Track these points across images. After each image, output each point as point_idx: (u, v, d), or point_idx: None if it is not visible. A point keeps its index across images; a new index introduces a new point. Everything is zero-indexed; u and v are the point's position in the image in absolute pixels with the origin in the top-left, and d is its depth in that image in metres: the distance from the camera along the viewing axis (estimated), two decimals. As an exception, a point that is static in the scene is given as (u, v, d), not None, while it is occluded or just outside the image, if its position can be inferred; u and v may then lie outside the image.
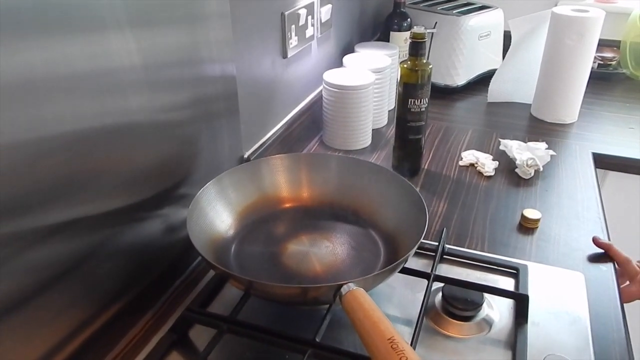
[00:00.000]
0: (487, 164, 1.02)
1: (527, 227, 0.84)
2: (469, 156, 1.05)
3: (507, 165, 1.03)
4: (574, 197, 0.93)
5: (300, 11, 0.98)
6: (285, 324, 0.65)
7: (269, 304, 0.67)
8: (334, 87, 1.03)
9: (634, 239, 1.11)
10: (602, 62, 1.53)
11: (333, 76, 1.05)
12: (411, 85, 0.90)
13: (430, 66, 0.90)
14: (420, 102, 0.91)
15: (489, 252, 0.78)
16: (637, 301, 0.76)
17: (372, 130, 1.14)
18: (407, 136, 0.96)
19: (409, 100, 0.91)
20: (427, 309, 0.66)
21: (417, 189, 0.71)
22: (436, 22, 1.33)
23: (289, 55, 0.98)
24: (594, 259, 0.78)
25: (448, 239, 0.82)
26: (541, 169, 1.00)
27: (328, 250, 0.71)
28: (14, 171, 0.43)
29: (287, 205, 0.79)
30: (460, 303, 0.65)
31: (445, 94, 1.38)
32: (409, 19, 1.34)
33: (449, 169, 1.03)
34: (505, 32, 1.39)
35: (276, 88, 0.98)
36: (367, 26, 1.50)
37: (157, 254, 0.67)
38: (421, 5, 1.41)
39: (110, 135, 0.54)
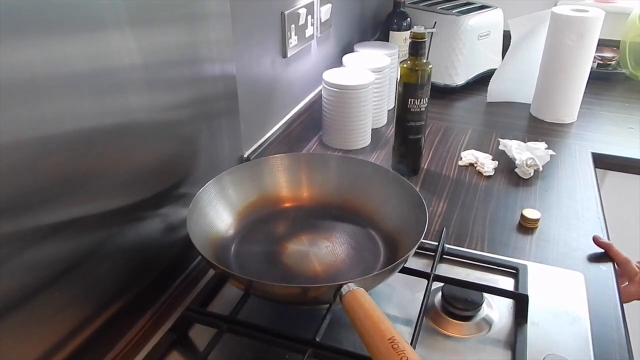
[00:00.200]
0: (487, 163, 1.02)
1: (526, 227, 0.85)
2: (468, 156, 1.05)
3: (506, 165, 1.03)
4: (574, 197, 0.93)
5: (300, 11, 0.98)
6: (285, 324, 0.65)
7: (268, 303, 0.67)
8: (334, 86, 1.03)
9: (633, 239, 1.11)
10: (601, 62, 1.53)
11: (333, 76, 1.05)
12: (411, 85, 0.90)
13: (430, 66, 0.90)
14: (420, 101, 0.91)
15: (488, 252, 0.78)
16: (637, 301, 0.76)
17: (372, 130, 1.14)
18: (406, 136, 0.96)
19: (409, 100, 0.91)
20: (427, 309, 0.66)
21: (417, 189, 0.71)
22: (436, 22, 1.33)
23: (288, 55, 0.98)
24: (594, 258, 0.78)
25: (448, 238, 0.82)
26: (541, 168, 1.00)
27: (328, 250, 0.71)
28: (14, 170, 0.43)
29: (287, 204, 0.79)
30: (460, 303, 0.65)
31: (444, 94, 1.38)
32: (408, 19, 1.34)
33: (448, 169, 1.03)
34: (504, 31, 1.39)
35: (276, 87, 0.98)
36: (366, 26, 1.50)
37: (157, 254, 0.66)
38: (421, 4, 1.41)
39: (110, 135, 0.54)
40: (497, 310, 0.67)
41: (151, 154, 0.61)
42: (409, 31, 0.95)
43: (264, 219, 0.76)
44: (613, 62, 1.54)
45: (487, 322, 0.65)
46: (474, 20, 1.32)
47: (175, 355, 0.61)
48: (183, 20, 0.63)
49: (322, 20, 1.10)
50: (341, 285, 0.54)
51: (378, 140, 1.14)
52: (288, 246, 0.72)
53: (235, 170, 0.75)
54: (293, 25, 0.97)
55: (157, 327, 0.64)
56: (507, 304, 0.68)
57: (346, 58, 1.16)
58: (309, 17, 1.03)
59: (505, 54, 1.32)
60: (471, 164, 1.04)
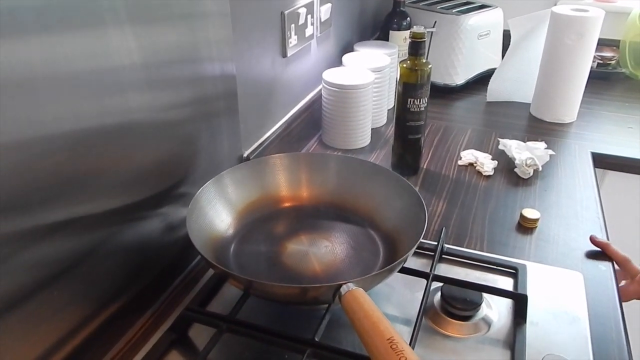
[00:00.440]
0: (486, 163, 1.02)
1: (526, 226, 0.85)
2: (468, 156, 1.05)
3: (506, 165, 1.03)
4: (573, 197, 0.93)
5: (300, 10, 0.98)
6: (285, 324, 0.65)
7: (268, 303, 0.67)
8: (334, 86, 1.03)
9: (632, 239, 1.11)
10: (601, 62, 1.53)
11: (332, 75, 1.05)
12: (410, 84, 0.90)
13: (430, 66, 0.90)
14: (420, 101, 0.91)
15: (487, 252, 0.78)
16: (636, 301, 0.76)
17: (371, 129, 1.14)
18: (406, 135, 0.96)
19: (408, 99, 0.91)
20: (426, 309, 0.66)
21: (416, 189, 0.71)
22: (435, 21, 1.33)
23: (288, 55, 0.98)
24: (593, 258, 0.78)
25: (447, 238, 0.82)
26: (540, 168, 1.00)
27: (327, 249, 0.71)
28: (14, 170, 0.43)
29: (287, 204, 0.79)
30: (459, 303, 0.65)
31: (444, 94, 1.38)
32: (408, 18, 1.34)
33: (448, 169, 1.03)
34: (504, 31, 1.39)
35: (276, 87, 0.98)
36: (366, 25, 1.50)
37: (156, 253, 0.67)
38: (420, 4, 1.41)
39: (109, 134, 0.54)
40: (496, 310, 0.67)
41: (151, 153, 0.61)
42: (409, 31, 0.95)
43: (264, 219, 0.76)
44: (613, 62, 1.54)
45: (486, 322, 0.65)
46: (474, 19, 1.32)
47: (174, 354, 0.61)
48: (183, 20, 0.63)
49: (322, 20, 1.10)
50: (340, 285, 0.54)
51: (378, 140, 1.14)
52: (287, 246, 0.72)
53: (234, 170, 0.75)
54: (293, 25, 0.97)
55: (157, 327, 0.64)
56: (506, 303, 0.68)
57: (346, 58, 1.16)
58: (309, 16, 1.03)
59: (505, 53, 1.32)
60: (471, 164, 1.04)
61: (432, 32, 1.33)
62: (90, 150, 0.51)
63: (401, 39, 1.32)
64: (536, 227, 0.85)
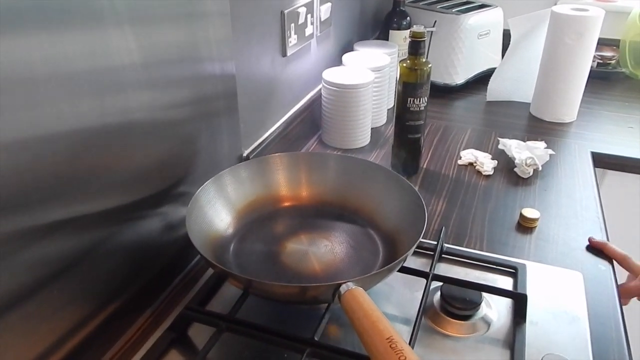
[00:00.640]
0: (486, 163, 1.02)
1: (525, 226, 0.85)
2: (467, 155, 1.05)
3: (506, 165, 1.03)
4: (573, 197, 0.93)
5: (299, 9, 0.98)
6: (284, 323, 0.65)
7: (267, 302, 0.67)
8: (333, 85, 1.03)
9: (632, 238, 1.11)
10: (601, 61, 1.53)
11: (332, 75, 1.05)
12: (410, 84, 0.90)
13: (430, 65, 0.90)
14: (419, 101, 0.91)
15: (487, 252, 0.78)
16: (636, 301, 0.76)
17: (371, 129, 1.14)
18: (406, 135, 0.96)
19: (408, 99, 0.91)
20: (425, 308, 0.66)
21: (416, 188, 0.71)
22: (435, 21, 1.33)
23: (288, 54, 0.98)
24: (593, 258, 0.78)
25: (447, 238, 0.82)
26: (540, 168, 1.00)
27: (327, 249, 0.71)
28: (14, 169, 0.43)
29: (286, 204, 0.79)
30: (458, 302, 0.65)
31: (444, 93, 1.38)
32: (408, 18, 1.34)
33: (447, 168, 1.03)
34: (504, 30, 1.39)
35: (275, 86, 0.98)
36: (366, 25, 1.50)
37: (156, 252, 0.66)
38: (420, 3, 1.41)
39: (109, 134, 0.54)
40: (495, 309, 0.67)
41: (150, 153, 0.61)
42: (409, 30, 0.95)
43: (263, 218, 0.76)
44: (613, 62, 1.54)
45: (486, 322, 0.65)
46: (474, 19, 1.32)
47: (174, 353, 0.61)
48: (182, 19, 0.62)
49: (322, 19, 1.10)
50: (340, 285, 0.54)
51: (377, 140, 1.14)
52: (287, 245, 0.72)
53: (234, 169, 0.75)
54: (293, 24, 0.97)
55: (156, 326, 0.64)
56: (505, 303, 0.68)
57: (346, 57, 1.16)
58: (309, 16, 1.03)
59: (505, 53, 1.32)
60: (470, 163, 1.04)
61: (432, 32, 1.33)
62: (90, 150, 0.51)
63: (401, 38, 1.32)
64: (536, 226, 0.85)
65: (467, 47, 1.34)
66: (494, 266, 0.75)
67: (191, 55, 0.65)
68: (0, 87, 0.41)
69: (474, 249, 0.79)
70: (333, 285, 0.54)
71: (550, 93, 1.22)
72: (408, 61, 0.90)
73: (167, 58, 0.61)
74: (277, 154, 0.80)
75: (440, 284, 0.68)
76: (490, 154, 1.06)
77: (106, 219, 0.56)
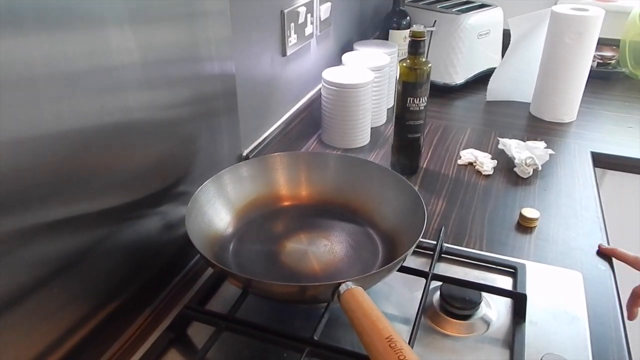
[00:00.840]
0: (486, 162, 1.02)
1: (525, 226, 0.85)
2: (467, 155, 1.05)
3: (505, 164, 1.03)
4: (573, 196, 0.93)
5: (299, 9, 0.98)
6: (284, 322, 0.65)
7: (267, 302, 0.67)
8: (333, 85, 1.03)
9: (632, 238, 1.11)
10: (601, 61, 1.53)
11: (332, 74, 1.05)
12: (410, 83, 0.90)
13: (429, 65, 0.90)
14: (419, 100, 0.91)
15: (487, 251, 0.78)
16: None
17: (371, 128, 1.14)
18: (405, 135, 0.96)
19: (408, 98, 0.91)
20: (425, 308, 0.66)
21: (416, 188, 0.71)
22: (435, 21, 1.33)
23: (288, 53, 0.98)
24: (592, 258, 0.78)
25: (446, 237, 0.82)
26: (540, 168, 1.00)
27: (326, 248, 0.71)
28: (14, 168, 0.43)
29: (286, 203, 0.79)
30: (458, 302, 0.65)
31: (444, 93, 1.38)
32: (408, 17, 1.34)
33: (447, 168, 1.03)
34: (504, 30, 1.39)
35: (275, 86, 0.98)
36: (366, 24, 1.50)
37: (155, 252, 0.66)
38: (420, 3, 1.41)
39: (109, 133, 0.54)
40: (495, 309, 0.67)
41: (150, 152, 0.61)
42: (409, 30, 0.95)
43: (263, 218, 0.76)
44: (613, 61, 1.54)
45: (485, 321, 0.65)
46: (474, 19, 1.32)
47: (173, 353, 0.61)
48: (182, 19, 0.62)
49: (322, 19, 1.10)
50: (339, 284, 0.54)
51: (377, 139, 1.14)
52: (287, 245, 0.72)
53: (234, 169, 0.75)
54: (292, 24, 0.97)
55: (156, 325, 0.64)
56: (505, 303, 0.68)
57: (345, 57, 1.16)
58: (309, 15, 1.03)
59: (504, 52, 1.32)
60: (470, 163, 1.04)
61: (431, 31, 1.33)
62: (89, 149, 0.51)
63: (401, 38, 1.32)
64: (535, 226, 0.85)
65: (467, 47, 1.34)
66: (494, 266, 0.75)
67: (191, 54, 0.65)
68: (0, 86, 0.41)
69: (474, 248, 0.80)
70: (332, 284, 0.54)
71: (550, 93, 1.22)
72: (408, 61, 0.90)
73: (166, 58, 0.61)
74: (276, 154, 0.80)
75: (440, 283, 0.68)
76: (490, 153, 1.06)
77: (106, 218, 0.56)
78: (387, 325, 0.48)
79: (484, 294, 0.67)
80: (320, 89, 1.10)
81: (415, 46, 0.89)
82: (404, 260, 0.61)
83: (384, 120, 1.23)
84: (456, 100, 1.37)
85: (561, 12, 1.14)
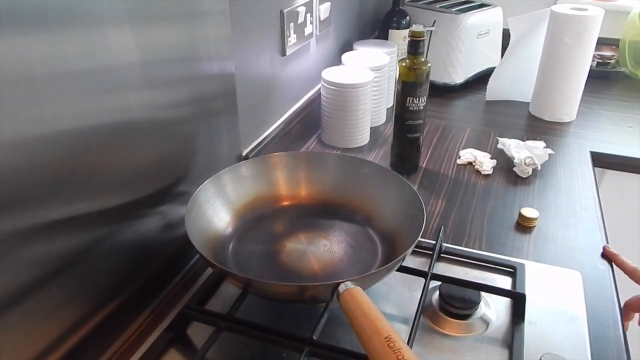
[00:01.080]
0: (485, 162, 1.02)
1: (524, 225, 0.85)
2: (467, 155, 1.05)
3: (505, 164, 1.03)
4: (572, 196, 0.93)
5: (299, 9, 0.98)
6: (283, 322, 0.65)
7: (266, 301, 0.67)
8: (333, 85, 1.03)
9: (632, 238, 1.11)
10: (600, 61, 1.53)
11: (331, 74, 1.05)
12: (409, 83, 0.90)
13: (429, 64, 0.90)
14: (419, 100, 0.92)
15: (486, 251, 0.78)
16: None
17: (371, 128, 1.14)
18: (405, 134, 0.96)
19: (408, 98, 0.91)
20: (424, 308, 0.66)
21: (415, 188, 0.71)
22: (435, 20, 1.33)
23: (287, 53, 0.98)
24: (592, 257, 0.78)
25: (446, 237, 0.82)
26: (539, 167, 1.00)
27: (326, 248, 0.71)
28: (13, 168, 0.43)
29: (285, 203, 0.79)
30: (457, 302, 0.65)
31: (443, 93, 1.38)
32: (407, 17, 1.34)
33: (447, 168, 1.03)
34: (504, 30, 1.39)
35: (275, 86, 0.98)
36: (366, 24, 1.50)
37: (155, 252, 0.67)
38: (420, 3, 1.41)
39: (108, 133, 0.54)
40: (494, 309, 0.67)
41: (150, 152, 0.61)
42: (408, 29, 0.95)
43: (262, 218, 0.76)
44: (612, 61, 1.54)
45: (485, 321, 0.65)
46: (474, 18, 1.32)
47: (173, 353, 0.61)
48: (182, 18, 0.62)
49: (321, 19, 1.10)
50: (338, 284, 0.54)
51: (377, 139, 1.14)
52: (286, 245, 0.72)
53: (233, 169, 0.75)
54: (292, 24, 0.97)
55: (155, 325, 0.64)
56: (504, 302, 0.68)
57: (345, 56, 1.16)
58: (308, 15, 1.03)
59: (504, 52, 1.32)
60: (470, 163, 1.04)
61: (431, 31, 1.33)
62: (89, 149, 0.52)
63: (400, 37, 1.32)
64: (535, 226, 0.85)
65: (466, 47, 1.34)
66: (493, 266, 0.75)
67: (190, 54, 0.65)
68: (0, 86, 0.41)
69: (473, 248, 0.80)
70: (332, 284, 0.54)
71: (550, 92, 1.22)
72: (407, 60, 0.90)
73: (166, 57, 0.61)
74: (276, 153, 0.80)
75: (439, 283, 0.68)
76: (489, 153, 1.06)
77: (105, 218, 0.56)
78: (386, 325, 0.48)
79: (483, 293, 0.67)
80: (319, 89, 1.10)
81: (415, 46, 0.89)
82: (403, 260, 0.61)
83: (384, 120, 1.23)
84: (456, 100, 1.37)
85: (561, 12, 1.14)
